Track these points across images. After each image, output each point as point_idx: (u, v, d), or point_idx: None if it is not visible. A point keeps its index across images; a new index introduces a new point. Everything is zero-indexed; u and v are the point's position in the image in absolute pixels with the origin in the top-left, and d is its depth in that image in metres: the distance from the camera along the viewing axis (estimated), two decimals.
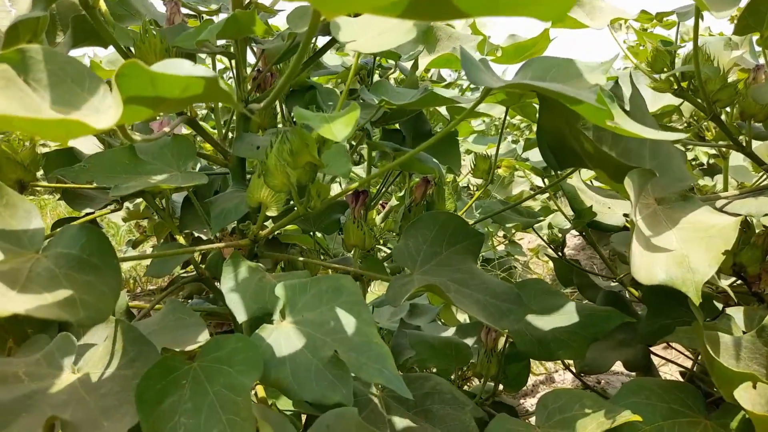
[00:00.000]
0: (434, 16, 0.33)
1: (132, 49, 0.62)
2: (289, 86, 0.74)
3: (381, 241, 0.89)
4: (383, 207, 1.10)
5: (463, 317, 1.26)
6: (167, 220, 0.76)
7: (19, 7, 0.75)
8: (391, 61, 1.02)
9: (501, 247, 2.15)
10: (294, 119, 0.86)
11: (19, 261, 0.40)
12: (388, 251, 1.41)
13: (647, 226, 0.48)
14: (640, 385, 0.56)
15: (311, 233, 0.81)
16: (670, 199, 0.54)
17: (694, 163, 1.83)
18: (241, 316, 0.53)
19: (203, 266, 0.74)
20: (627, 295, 0.84)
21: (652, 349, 0.74)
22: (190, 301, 1.00)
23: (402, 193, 1.39)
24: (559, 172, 0.85)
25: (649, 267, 0.44)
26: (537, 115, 0.59)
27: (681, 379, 0.90)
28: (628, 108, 0.59)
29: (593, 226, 0.81)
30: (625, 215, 0.81)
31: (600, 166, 0.53)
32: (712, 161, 1.74)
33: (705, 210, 0.52)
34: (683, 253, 0.45)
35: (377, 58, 0.92)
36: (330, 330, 0.49)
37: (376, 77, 1.01)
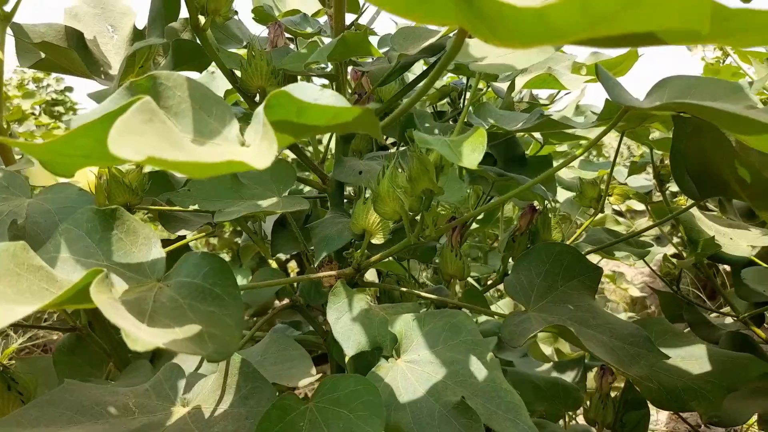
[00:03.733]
0: (624, 45, 0.29)
1: (236, 72, 0.61)
2: (384, 111, 0.71)
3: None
4: None
5: (549, 351, 1.19)
6: (260, 244, 0.74)
7: (121, 33, 0.77)
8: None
9: None
10: (387, 143, 0.83)
11: (142, 290, 0.38)
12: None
13: None
14: None
15: (405, 261, 0.77)
16: None
17: None
18: (350, 350, 0.49)
19: (296, 293, 0.72)
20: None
21: None
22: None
23: (481, 217, 1.34)
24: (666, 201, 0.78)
25: None
26: (672, 137, 0.53)
27: None
28: None
29: (714, 258, 0.74)
30: (751, 247, 0.74)
31: (758, 194, 0.47)
32: None
33: None
34: None
35: (469, 78, 0.89)
36: (452, 372, 0.45)
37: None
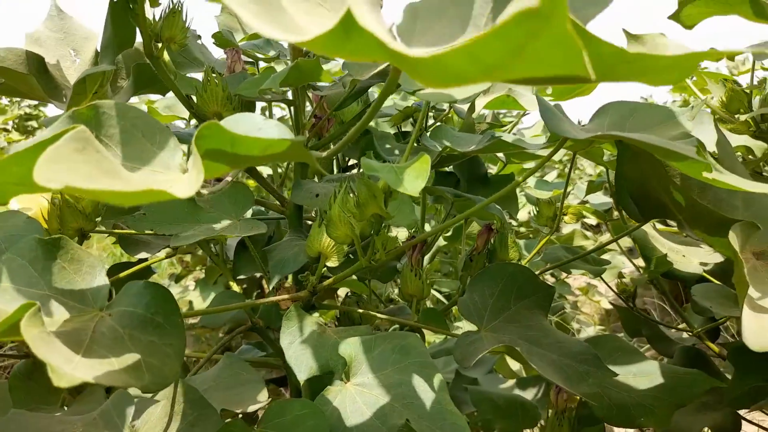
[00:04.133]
0: (538, 85, 0.30)
1: (193, 96, 0.62)
2: (342, 133, 0.72)
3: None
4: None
5: (517, 367, 1.20)
6: (222, 266, 0.75)
7: (83, 57, 0.77)
8: (444, 104, 1.00)
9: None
10: (349, 164, 0.84)
11: (83, 320, 0.39)
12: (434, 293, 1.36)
13: (752, 284, 0.43)
14: None
15: (366, 280, 0.78)
16: None
17: None
18: (301, 375, 0.50)
19: (257, 315, 0.72)
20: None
21: (741, 413, 0.67)
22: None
23: (449, 233, 1.35)
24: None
25: (761, 332, 0.39)
26: (616, 160, 0.55)
27: None
28: (715, 152, 0.55)
29: (667, 275, 0.76)
30: (702, 264, 0.76)
31: (692, 218, 0.49)
32: None
33: None
34: None
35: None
36: (399, 395, 0.46)
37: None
